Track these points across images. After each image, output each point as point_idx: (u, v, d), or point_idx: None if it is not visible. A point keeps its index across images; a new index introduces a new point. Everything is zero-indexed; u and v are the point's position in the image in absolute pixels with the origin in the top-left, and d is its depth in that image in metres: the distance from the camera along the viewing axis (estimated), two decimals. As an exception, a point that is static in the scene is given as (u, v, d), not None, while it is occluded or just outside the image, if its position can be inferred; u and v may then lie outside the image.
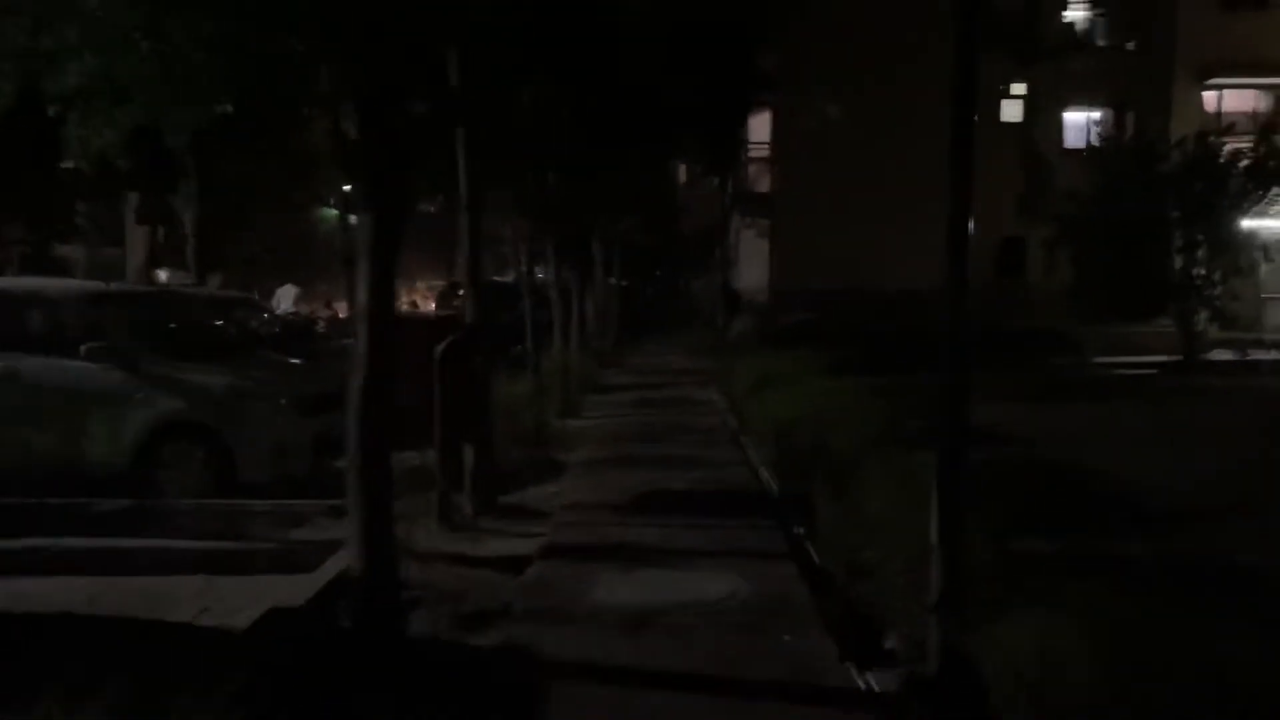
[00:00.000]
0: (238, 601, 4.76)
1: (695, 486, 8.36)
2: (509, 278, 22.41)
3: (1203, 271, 19.24)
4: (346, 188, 27.12)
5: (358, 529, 4.67)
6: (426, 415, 7.25)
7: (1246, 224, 19.18)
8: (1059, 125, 24.92)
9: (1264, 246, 19.18)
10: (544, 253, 16.02)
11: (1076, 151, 24.80)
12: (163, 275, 21.45)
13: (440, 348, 7.20)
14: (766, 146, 24.24)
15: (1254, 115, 23.32)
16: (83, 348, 7.99)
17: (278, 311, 21.31)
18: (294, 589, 4.98)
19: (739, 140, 16.75)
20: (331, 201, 47.23)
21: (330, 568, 5.30)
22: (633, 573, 5.86)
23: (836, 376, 12.13)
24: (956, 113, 4.12)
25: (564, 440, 11.24)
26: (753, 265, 25.09)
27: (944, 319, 4.46)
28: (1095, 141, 23.11)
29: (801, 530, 6.89)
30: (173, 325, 10.13)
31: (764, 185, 24.71)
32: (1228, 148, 19.16)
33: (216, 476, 7.94)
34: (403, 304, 28.89)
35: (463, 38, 6.50)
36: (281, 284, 21.90)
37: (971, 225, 4.47)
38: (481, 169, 8.08)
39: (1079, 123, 25.51)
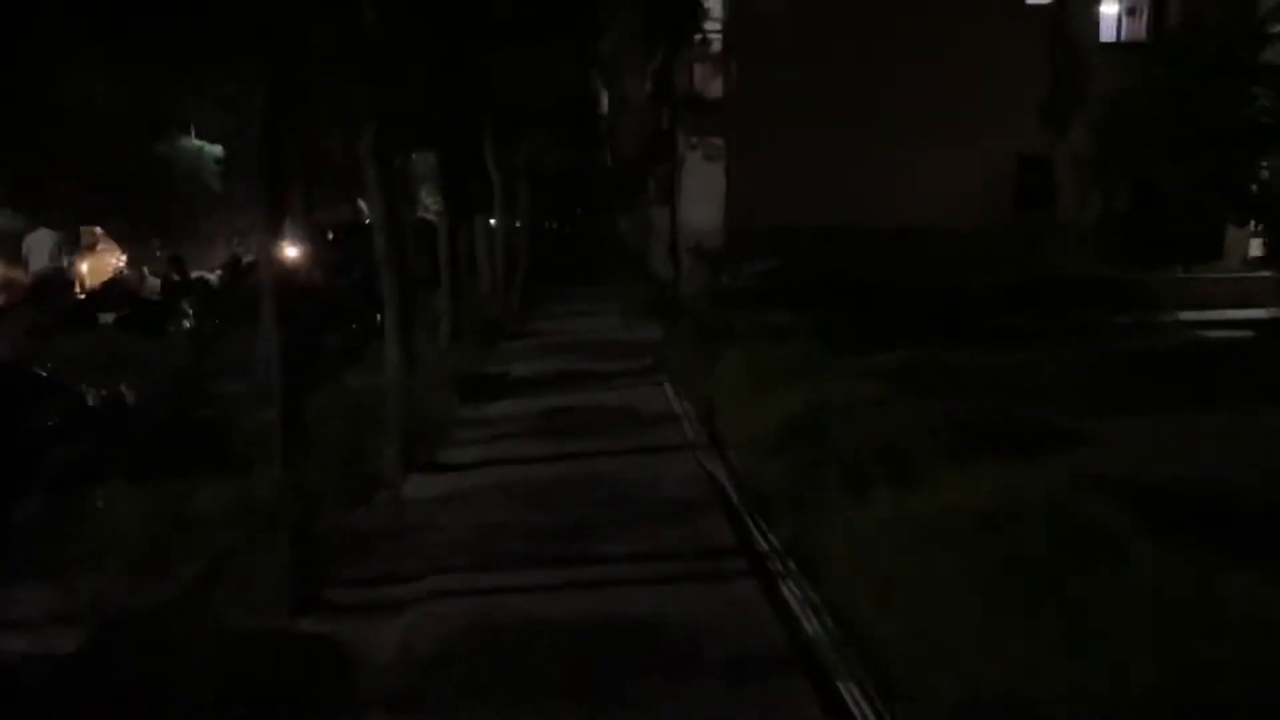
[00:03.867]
0: None
1: None
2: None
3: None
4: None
5: None
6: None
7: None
8: (1094, 16, 19.36)
9: None
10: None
11: (1114, 47, 19.41)
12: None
13: None
14: (717, 36, 18.17)
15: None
16: None
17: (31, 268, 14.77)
18: None
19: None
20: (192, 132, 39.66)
21: None
22: None
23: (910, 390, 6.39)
24: None
25: (389, 544, 5.36)
26: (701, 199, 19.10)
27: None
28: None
29: None
30: None
31: (715, 90, 18.65)
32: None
33: None
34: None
35: None
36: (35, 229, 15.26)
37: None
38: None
39: (1110, 15, 20.02)
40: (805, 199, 17.93)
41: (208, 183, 40.41)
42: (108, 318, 12.23)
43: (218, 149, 37.52)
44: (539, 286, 21.90)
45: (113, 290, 12.81)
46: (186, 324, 10.37)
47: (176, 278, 11.42)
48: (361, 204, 41.03)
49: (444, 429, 8.10)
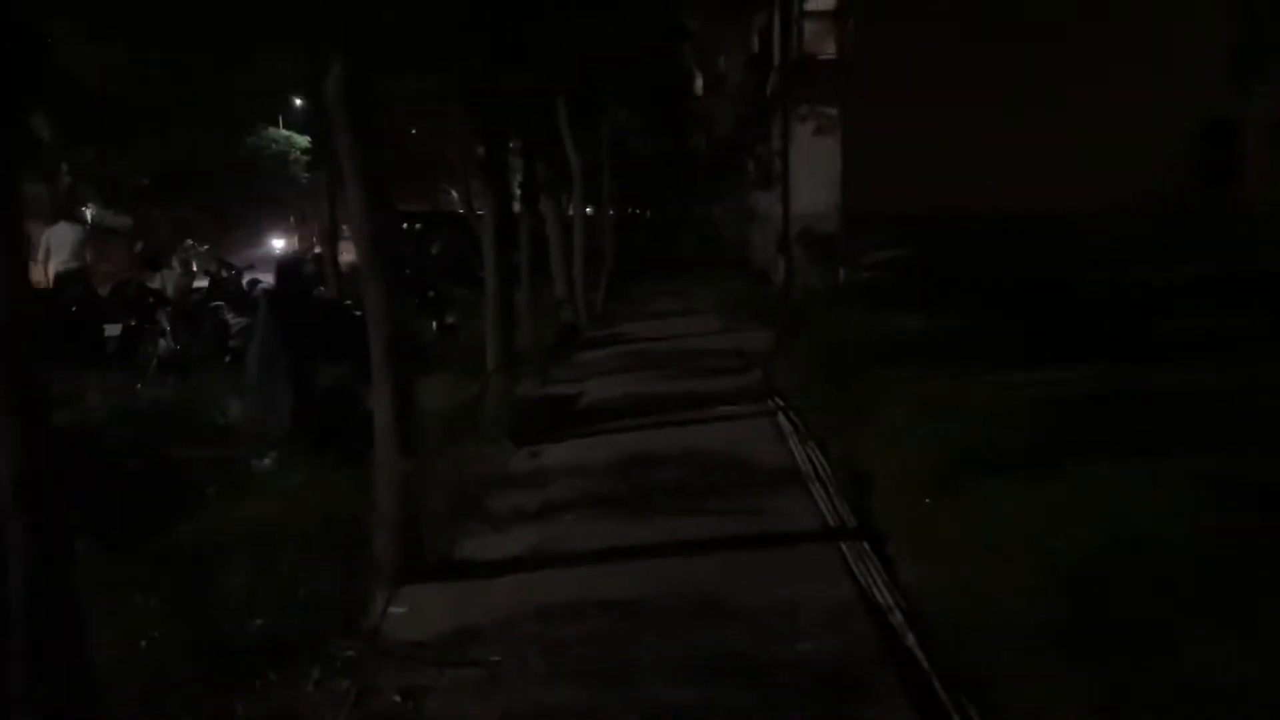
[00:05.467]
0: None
1: None
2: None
3: None
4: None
5: None
6: None
7: None
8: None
9: None
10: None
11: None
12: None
13: None
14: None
15: None
16: None
17: (48, 267, 13.01)
18: None
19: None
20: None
21: None
22: None
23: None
24: None
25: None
26: (809, 180, 16.43)
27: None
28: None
29: None
30: None
31: (828, 49, 15.96)
32: None
33: None
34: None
35: None
36: (54, 223, 13.50)
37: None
38: None
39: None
40: (934, 176, 15.19)
41: (294, 174, 39.07)
42: (114, 330, 10.33)
43: (304, 139, 36.16)
44: (625, 283, 19.58)
45: (124, 295, 10.92)
46: (162, 344, 8.28)
47: (155, 285, 9.38)
48: (454, 193, 39.00)
49: (479, 496, 5.80)
